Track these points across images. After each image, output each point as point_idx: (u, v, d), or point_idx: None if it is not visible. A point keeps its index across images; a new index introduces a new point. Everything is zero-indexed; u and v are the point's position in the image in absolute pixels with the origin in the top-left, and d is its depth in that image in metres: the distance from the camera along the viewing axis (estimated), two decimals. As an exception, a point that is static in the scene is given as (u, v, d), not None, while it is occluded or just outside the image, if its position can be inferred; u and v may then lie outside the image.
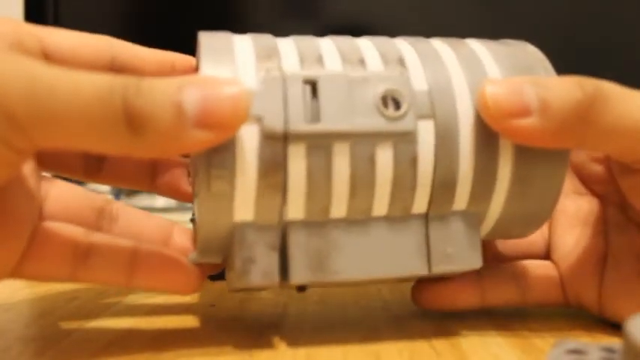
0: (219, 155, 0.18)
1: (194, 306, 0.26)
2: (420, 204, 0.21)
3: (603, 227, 0.25)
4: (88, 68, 0.21)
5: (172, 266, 0.21)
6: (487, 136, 0.21)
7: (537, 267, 0.26)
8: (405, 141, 0.20)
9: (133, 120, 0.16)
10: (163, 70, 0.23)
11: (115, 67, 0.22)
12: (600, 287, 0.24)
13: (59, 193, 0.22)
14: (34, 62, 0.16)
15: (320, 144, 0.19)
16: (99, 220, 0.23)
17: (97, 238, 0.21)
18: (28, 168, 0.21)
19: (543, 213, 0.23)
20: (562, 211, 0.26)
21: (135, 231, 0.23)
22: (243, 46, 0.20)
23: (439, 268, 0.21)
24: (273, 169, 0.19)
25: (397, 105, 0.20)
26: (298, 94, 0.19)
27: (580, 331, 0.24)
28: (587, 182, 0.26)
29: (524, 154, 0.21)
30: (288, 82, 0.19)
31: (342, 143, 0.19)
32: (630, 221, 0.24)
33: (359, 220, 0.21)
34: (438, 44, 0.22)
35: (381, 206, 0.21)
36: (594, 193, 0.26)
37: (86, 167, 0.24)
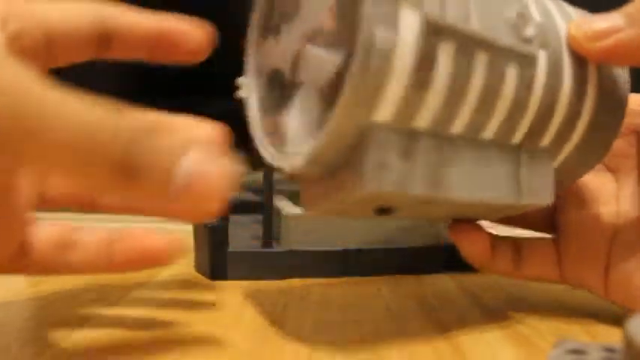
0: (385, 30, 0.17)
1: (194, 306, 0.26)
2: (520, 132, 0.22)
3: (615, 205, 0.25)
4: (79, 35, 0.21)
5: (148, 243, 0.22)
6: (580, 76, 0.22)
7: (535, 242, 0.26)
8: (528, 64, 0.20)
9: (128, 169, 0.16)
10: (151, 37, 0.22)
11: (106, 32, 0.21)
12: (608, 268, 0.24)
13: None
14: (36, 82, 0.15)
15: (466, 48, 0.19)
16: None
17: (80, 232, 0.22)
18: None
19: (600, 154, 0.24)
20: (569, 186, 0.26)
21: None
22: None
23: (525, 200, 0.22)
24: (426, 63, 0.18)
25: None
26: None
27: (580, 331, 0.24)
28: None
29: (603, 94, 0.23)
30: None
31: (483, 54, 0.19)
32: None
33: (471, 140, 0.21)
34: None
35: (493, 126, 0.21)
36: (609, 167, 0.25)
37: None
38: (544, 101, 0.21)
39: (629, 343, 0.14)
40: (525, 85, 0.21)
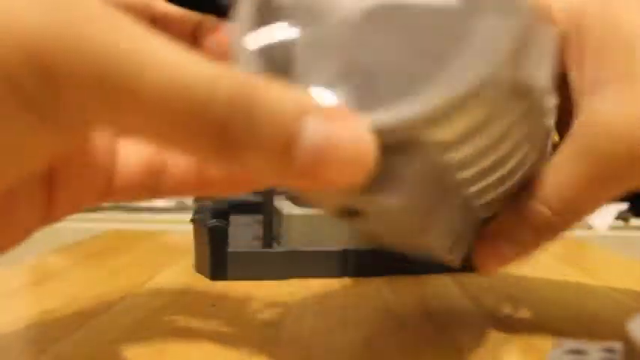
0: None
1: (194, 306, 0.26)
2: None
3: None
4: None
5: None
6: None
7: None
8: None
9: (230, 136, 0.12)
10: (187, 28, 0.21)
11: (148, 16, 0.20)
12: None
13: None
14: (125, 17, 0.12)
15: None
16: None
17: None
18: None
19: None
20: None
21: None
22: None
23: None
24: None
25: None
26: None
27: (580, 331, 0.24)
28: None
29: None
30: None
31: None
32: None
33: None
34: None
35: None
36: None
37: None
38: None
39: (628, 344, 0.14)
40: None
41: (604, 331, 0.23)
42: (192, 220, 0.33)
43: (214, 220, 0.31)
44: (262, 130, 0.12)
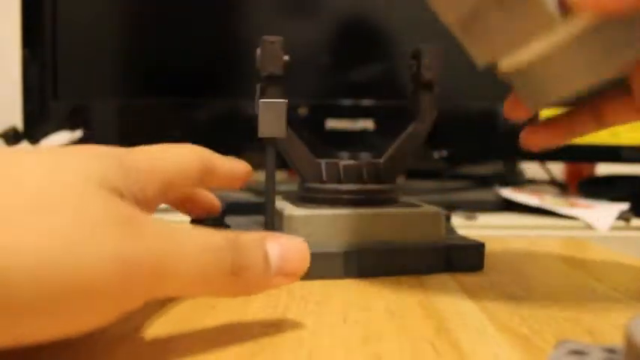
0: None
1: (194, 306, 0.26)
2: None
3: None
4: (189, 176, 0.25)
5: None
6: None
7: (610, 94, 0.30)
8: None
9: (237, 270, 0.20)
10: (229, 173, 0.28)
11: (206, 170, 0.26)
12: None
13: None
14: (169, 224, 0.19)
15: None
16: None
17: None
18: None
19: None
20: None
21: None
22: None
23: None
24: None
25: None
26: None
27: (581, 331, 0.24)
28: None
29: None
30: None
31: None
32: None
33: None
34: None
35: None
36: None
37: None
38: None
39: (630, 344, 0.14)
40: None
41: (605, 332, 0.23)
42: (193, 221, 0.33)
43: (214, 221, 0.31)
44: (251, 258, 0.21)
